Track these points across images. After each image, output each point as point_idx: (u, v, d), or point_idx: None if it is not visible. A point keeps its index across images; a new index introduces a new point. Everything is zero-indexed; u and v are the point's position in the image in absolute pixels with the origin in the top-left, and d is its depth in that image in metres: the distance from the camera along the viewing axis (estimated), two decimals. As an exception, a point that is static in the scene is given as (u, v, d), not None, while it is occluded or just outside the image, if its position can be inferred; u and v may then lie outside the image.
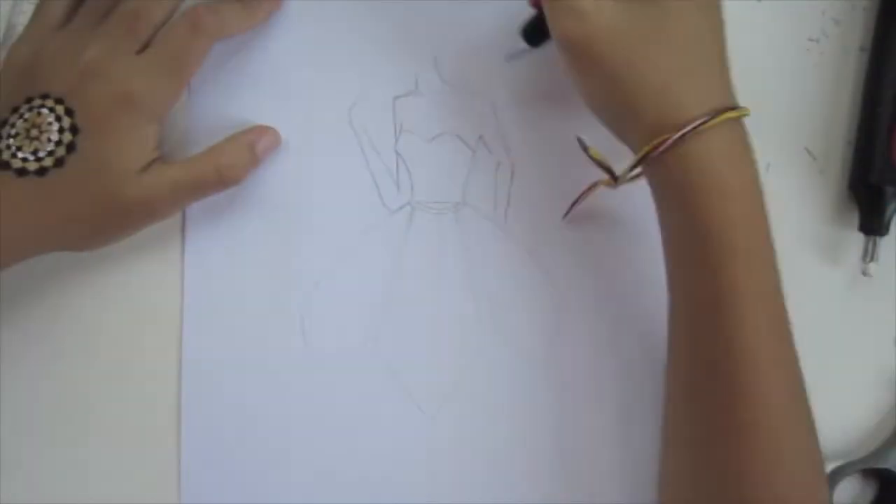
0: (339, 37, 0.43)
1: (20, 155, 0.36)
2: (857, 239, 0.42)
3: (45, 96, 0.37)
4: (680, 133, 0.33)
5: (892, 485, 0.39)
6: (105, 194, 0.37)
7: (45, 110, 0.36)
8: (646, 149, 0.34)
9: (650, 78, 0.34)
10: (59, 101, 0.37)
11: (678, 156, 0.33)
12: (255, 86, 0.42)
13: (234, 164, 0.40)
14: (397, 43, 0.42)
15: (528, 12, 0.39)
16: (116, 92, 0.37)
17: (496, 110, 0.43)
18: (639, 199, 0.37)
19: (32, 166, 0.36)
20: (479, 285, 0.41)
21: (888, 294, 0.42)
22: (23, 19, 0.42)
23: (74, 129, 0.36)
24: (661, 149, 0.33)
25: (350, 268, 0.42)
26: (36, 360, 0.41)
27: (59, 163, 0.36)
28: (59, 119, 0.36)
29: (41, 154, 0.36)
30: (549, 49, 0.37)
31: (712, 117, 0.33)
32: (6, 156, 0.36)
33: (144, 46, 0.38)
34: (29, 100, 0.37)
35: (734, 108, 0.34)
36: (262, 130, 0.41)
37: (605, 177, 0.38)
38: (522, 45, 0.40)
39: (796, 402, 0.34)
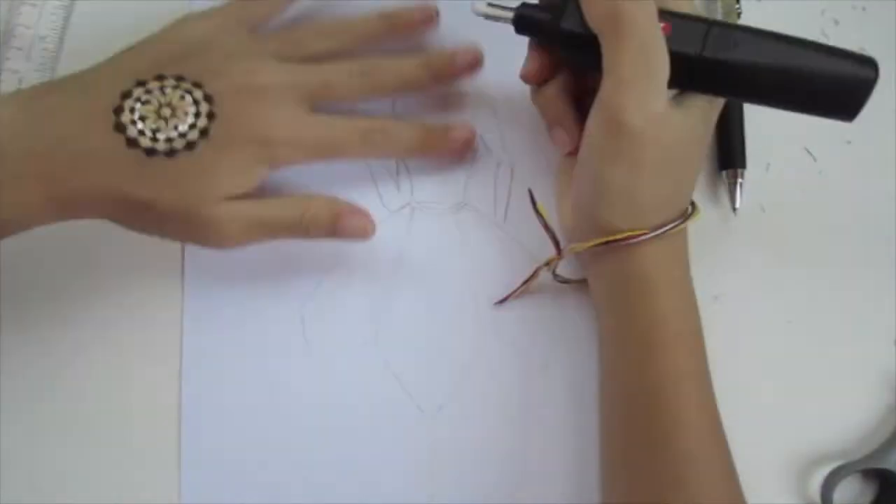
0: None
1: (139, 126, 0.35)
2: (857, 239, 0.42)
3: (197, 84, 0.36)
4: (657, 232, 0.35)
5: (892, 485, 0.39)
6: (190, 200, 0.36)
7: (189, 98, 0.36)
8: (625, 234, 0.35)
9: (659, 182, 0.35)
10: (208, 98, 0.36)
11: (633, 250, 0.36)
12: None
13: (314, 219, 0.38)
14: (397, 43, 0.42)
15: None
16: (261, 129, 0.37)
17: (496, 110, 0.43)
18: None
19: (145, 143, 0.35)
20: (479, 285, 0.41)
21: (888, 294, 0.42)
22: (22, 20, 0.42)
23: (204, 132, 0.36)
24: (635, 241, 0.35)
25: (350, 268, 0.42)
26: (36, 361, 0.41)
27: (171, 153, 0.35)
28: (197, 115, 0.36)
29: (160, 136, 0.35)
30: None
31: (682, 221, 0.36)
32: (126, 118, 0.35)
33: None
34: (180, 78, 0.36)
35: (693, 212, 0.37)
36: (356, 211, 0.39)
37: (547, 256, 0.39)
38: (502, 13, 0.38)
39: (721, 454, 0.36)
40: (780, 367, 0.41)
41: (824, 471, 0.39)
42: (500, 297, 0.41)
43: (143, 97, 0.36)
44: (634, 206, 0.35)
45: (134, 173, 0.35)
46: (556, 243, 0.38)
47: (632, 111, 0.33)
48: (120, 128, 0.35)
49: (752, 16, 0.43)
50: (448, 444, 0.40)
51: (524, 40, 0.38)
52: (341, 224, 0.38)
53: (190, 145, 0.36)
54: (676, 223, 0.36)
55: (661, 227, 0.35)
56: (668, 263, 0.36)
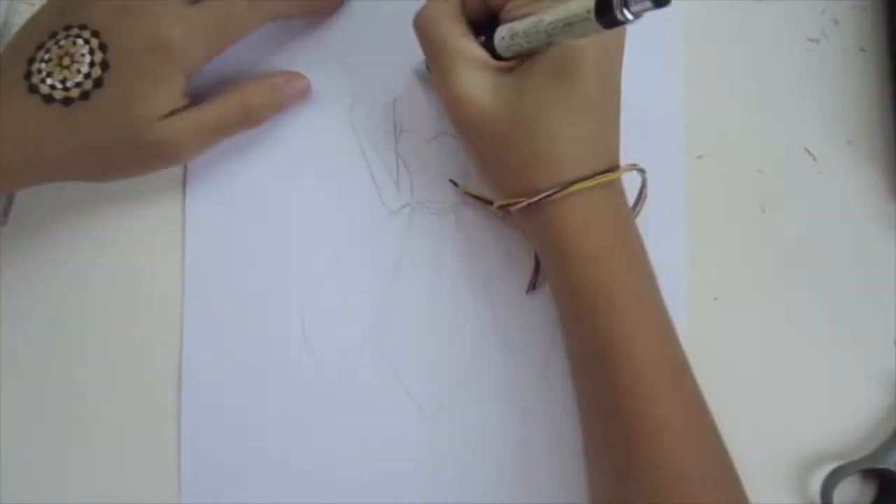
0: (339, 37, 0.43)
1: (49, 81, 0.36)
2: (857, 239, 0.42)
3: (83, 27, 0.37)
4: (527, 202, 0.35)
5: (892, 485, 0.39)
6: (126, 134, 0.37)
7: (80, 41, 0.37)
8: (499, 203, 0.36)
9: (529, 148, 0.35)
10: (95, 34, 0.37)
11: (539, 220, 0.35)
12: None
13: (258, 104, 0.40)
14: (397, 43, 0.42)
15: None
16: (153, 36, 0.37)
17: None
18: (635, 198, 0.38)
19: (59, 94, 0.36)
20: (479, 285, 0.41)
21: (888, 294, 0.42)
22: (19, 19, 0.42)
23: (105, 65, 0.37)
24: (515, 208, 0.35)
25: (350, 268, 0.42)
26: (36, 361, 0.41)
27: (84, 96, 0.36)
28: (91, 52, 0.36)
29: (69, 84, 0.36)
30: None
31: (559, 190, 0.34)
32: (36, 79, 0.36)
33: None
34: (67, 27, 0.37)
35: (594, 175, 0.35)
36: (292, 75, 0.41)
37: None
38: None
39: (688, 407, 0.35)
40: (780, 367, 0.41)
41: (824, 471, 0.39)
42: (528, 287, 0.41)
43: (45, 56, 0.37)
44: (556, 155, 0.35)
45: (61, 126, 0.36)
46: (489, 202, 0.39)
47: (454, 114, 0.36)
48: (33, 89, 0.36)
49: (753, 16, 0.43)
50: (448, 443, 0.40)
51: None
52: (283, 95, 0.41)
53: (97, 82, 0.36)
54: (545, 194, 0.35)
55: (583, 179, 0.34)
56: (595, 229, 0.35)
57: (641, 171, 0.37)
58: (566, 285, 0.36)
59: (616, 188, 0.36)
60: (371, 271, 0.42)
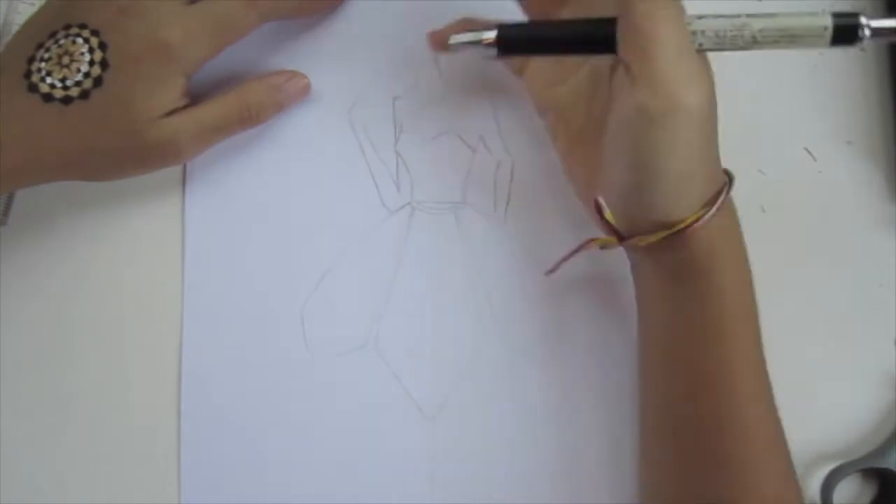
0: (339, 37, 0.43)
1: (48, 80, 0.36)
2: (858, 239, 0.42)
3: (82, 26, 0.37)
4: (717, 206, 0.33)
5: (892, 485, 0.39)
6: (125, 133, 0.37)
7: (80, 40, 0.37)
8: (691, 218, 0.33)
9: (707, 157, 0.34)
10: (95, 33, 0.37)
11: (695, 233, 0.33)
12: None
13: (258, 104, 0.40)
14: (397, 43, 0.42)
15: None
16: (152, 36, 0.37)
17: (496, 110, 0.43)
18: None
19: (58, 93, 0.36)
20: (479, 285, 0.41)
21: (888, 294, 0.42)
22: (19, 18, 0.42)
23: (104, 64, 0.37)
24: (702, 221, 0.33)
25: (350, 268, 0.42)
26: (36, 361, 0.41)
27: (84, 95, 0.36)
28: (91, 51, 0.37)
29: (68, 83, 0.36)
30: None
31: (729, 188, 0.34)
32: (35, 78, 0.36)
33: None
34: (67, 27, 0.37)
35: (730, 176, 0.35)
36: (292, 74, 0.41)
37: (600, 236, 0.36)
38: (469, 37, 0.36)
39: (775, 432, 0.35)
40: (780, 367, 0.41)
41: (824, 470, 0.39)
42: (551, 268, 0.40)
43: (45, 55, 0.37)
44: (692, 188, 0.33)
45: (60, 125, 0.37)
46: (619, 236, 0.35)
47: (685, 87, 0.31)
48: (33, 88, 0.36)
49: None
50: (448, 444, 0.40)
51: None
52: (283, 94, 0.41)
53: (97, 81, 0.36)
54: (725, 192, 0.34)
55: (713, 201, 0.33)
56: (730, 237, 0.35)
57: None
58: (690, 300, 0.35)
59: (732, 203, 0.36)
60: (371, 271, 0.42)
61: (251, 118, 0.40)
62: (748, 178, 0.42)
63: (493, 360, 0.41)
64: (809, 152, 0.43)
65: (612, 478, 0.40)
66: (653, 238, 0.34)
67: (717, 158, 0.35)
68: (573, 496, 0.40)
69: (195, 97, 0.39)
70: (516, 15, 0.39)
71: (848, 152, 0.43)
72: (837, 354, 0.41)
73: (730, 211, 0.35)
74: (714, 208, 0.33)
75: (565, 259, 0.39)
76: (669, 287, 0.35)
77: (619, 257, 0.42)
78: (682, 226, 0.33)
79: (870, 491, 0.40)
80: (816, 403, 0.40)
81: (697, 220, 0.33)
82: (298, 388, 0.41)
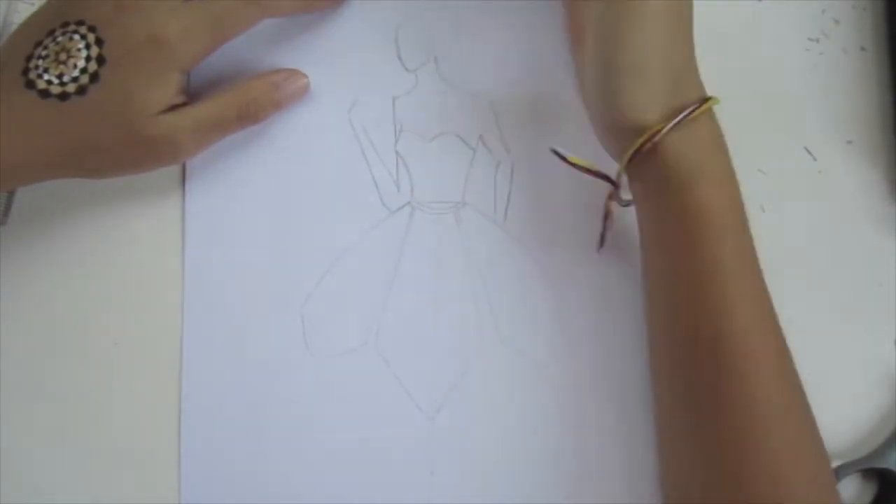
0: (339, 37, 0.43)
1: (45, 77, 0.36)
2: (858, 239, 0.42)
3: (80, 22, 0.37)
4: (676, 120, 0.34)
5: (892, 485, 0.39)
6: (123, 129, 0.37)
7: (76, 36, 0.37)
8: (657, 127, 0.34)
9: (662, 63, 0.34)
10: (92, 29, 0.37)
11: (666, 146, 0.34)
12: (254, 86, 0.42)
13: (256, 102, 0.40)
14: (397, 43, 0.42)
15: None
16: (149, 32, 0.37)
17: (496, 110, 0.43)
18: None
19: (56, 90, 0.36)
20: (479, 285, 0.41)
21: (888, 294, 0.42)
22: (18, 18, 0.42)
23: (101, 60, 0.37)
24: (658, 137, 0.34)
25: (350, 268, 0.42)
26: (36, 361, 0.41)
27: (81, 90, 0.36)
28: (88, 47, 0.37)
29: (65, 79, 0.36)
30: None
31: (698, 106, 0.34)
32: (32, 76, 0.36)
33: None
34: (65, 24, 0.37)
35: (709, 98, 0.35)
36: (291, 73, 0.41)
37: (606, 190, 0.37)
38: None
39: (785, 375, 0.35)
40: (780, 367, 0.41)
41: (824, 471, 0.39)
42: (600, 244, 0.40)
43: (43, 53, 0.37)
44: (651, 87, 0.34)
45: (58, 121, 0.37)
46: (606, 177, 0.37)
47: None
48: (30, 85, 0.36)
49: (753, 15, 0.43)
50: (448, 444, 0.40)
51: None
52: (282, 93, 0.41)
53: (94, 77, 0.37)
54: (695, 108, 0.34)
55: (678, 113, 0.34)
56: (712, 154, 0.35)
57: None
58: (680, 209, 0.35)
59: (715, 116, 0.36)
60: (371, 271, 0.42)
61: (249, 116, 0.40)
62: (748, 178, 0.42)
63: (493, 360, 0.41)
64: (809, 152, 0.43)
65: (612, 476, 0.40)
66: (625, 154, 0.35)
67: (687, 67, 0.35)
68: (573, 496, 0.40)
69: (194, 96, 0.39)
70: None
71: (848, 152, 0.43)
72: (837, 354, 0.41)
73: (708, 128, 0.35)
74: (680, 117, 0.34)
75: (607, 228, 0.40)
76: (658, 213, 0.36)
77: (619, 257, 0.42)
78: (647, 136, 0.34)
79: (870, 491, 0.40)
80: (816, 403, 0.40)
81: (660, 129, 0.34)
82: (298, 388, 0.41)
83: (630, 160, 0.35)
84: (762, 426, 0.33)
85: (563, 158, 0.37)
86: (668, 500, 0.37)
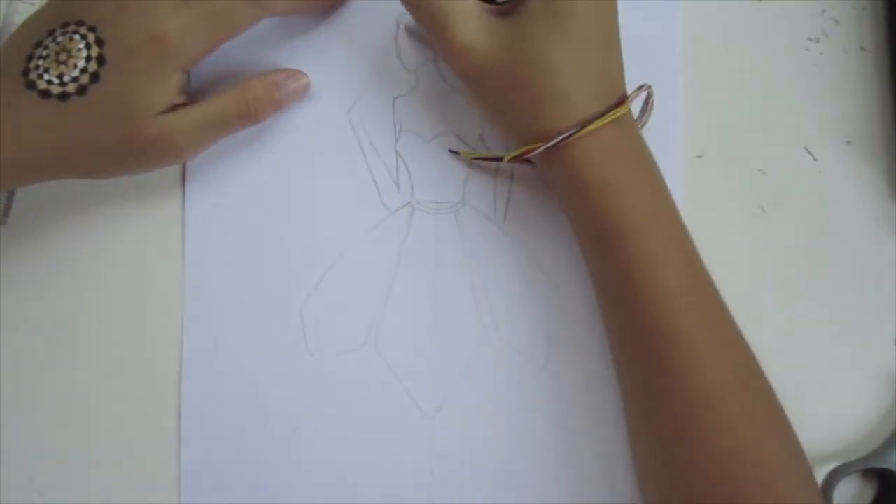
0: (339, 37, 0.43)
1: (46, 77, 0.36)
2: (858, 239, 0.42)
3: (80, 23, 0.37)
4: (544, 146, 0.35)
5: (892, 485, 0.39)
6: (123, 129, 0.37)
7: (76, 36, 0.37)
8: (512, 154, 0.36)
9: (529, 93, 0.36)
10: (92, 29, 0.37)
11: (559, 159, 0.36)
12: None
13: (257, 101, 0.40)
14: (397, 43, 0.42)
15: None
16: (149, 31, 0.37)
17: (496, 110, 0.43)
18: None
19: (56, 90, 0.36)
20: (479, 286, 0.41)
21: (888, 294, 0.42)
22: (19, 19, 0.42)
23: (101, 60, 0.37)
24: (533, 154, 0.36)
25: (350, 268, 0.42)
26: (36, 361, 0.41)
27: (81, 90, 0.37)
28: (88, 47, 0.37)
29: (66, 79, 0.36)
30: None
31: (576, 131, 0.35)
32: (33, 76, 0.37)
33: None
34: (65, 24, 0.37)
35: (605, 113, 0.35)
36: (291, 73, 0.41)
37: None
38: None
39: (732, 358, 0.35)
40: (780, 367, 0.41)
41: (824, 471, 0.39)
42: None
43: (43, 53, 0.37)
44: (574, 104, 0.35)
45: (58, 121, 0.37)
46: (498, 158, 0.39)
47: (456, 65, 0.36)
48: (30, 85, 0.36)
49: (753, 15, 0.43)
50: (448, 444, 0.40)
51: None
52: (282, 93, 0.41)
53: (94, 77, 0.37)
54: (561, 137, 0.35)
55: (593, 119, 0.35)
56: (618, 156, 0.36)
57: (648, 87, 0.38)
58: (590, 217, 0.36)
59: (627, 118, 0.37)
60: (371, 271, 0.42)
61: (250, 116, 0.40)
62: (748, 177, 0.42)
63: (493, 359, 0.41)
64: (809, 152, 0.43)
65: (611, 477, 0.40)
66: (516, 152, 0.37)
67: (613, 77, 0.36)
68: (573, 496, 0.40)
69: (195, 96, 0.39)
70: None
71: (848, 152, 0.43)
72: (837, 354, 0.41)
73: (617, 129, 0.36)
74: (590, 127, 0.35)
75: (480, 158, 0.41)
76: (573, 217, 0.37)
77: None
78: (551, 143, 0.35)
79: (870, 491, 0.40)
80: (816, 403, 0.40)
81: (566, 137, 0.35)
82: (298, 387, 0.41)
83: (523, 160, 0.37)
84: (720, 408, 0.34)
85: (457, 154, 0.39)
86: (644, 498, 0.38)
